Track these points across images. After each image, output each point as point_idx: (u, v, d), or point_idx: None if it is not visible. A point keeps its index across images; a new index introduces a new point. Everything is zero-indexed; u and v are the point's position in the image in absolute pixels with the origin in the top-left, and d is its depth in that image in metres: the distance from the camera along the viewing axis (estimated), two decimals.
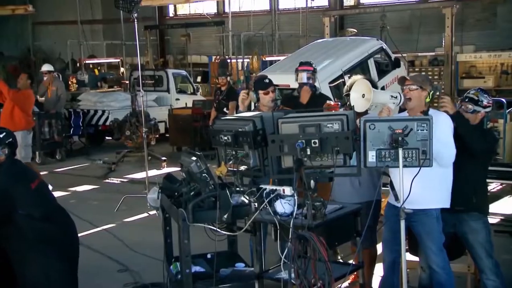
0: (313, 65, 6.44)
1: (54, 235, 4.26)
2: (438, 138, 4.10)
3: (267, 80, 5.46)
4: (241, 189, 4.20)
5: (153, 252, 6.29)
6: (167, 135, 14.47)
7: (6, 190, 4.13)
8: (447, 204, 4.44)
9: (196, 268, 4.64)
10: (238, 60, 19.58)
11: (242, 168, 4.19)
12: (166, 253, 4.99)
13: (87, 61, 22.68)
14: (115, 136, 13.12)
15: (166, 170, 10.95)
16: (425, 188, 4.09)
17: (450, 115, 4.43)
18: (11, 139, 4.35)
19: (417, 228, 4.41)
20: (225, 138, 4.17)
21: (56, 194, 9.66)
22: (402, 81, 4.54)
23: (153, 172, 10.51)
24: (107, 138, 15.16)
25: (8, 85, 9.62)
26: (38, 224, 4.18)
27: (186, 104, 15.13)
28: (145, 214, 8.33)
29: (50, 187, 5.02)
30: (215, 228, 4.22)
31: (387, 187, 4.55)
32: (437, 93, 4.55)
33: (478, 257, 4.67)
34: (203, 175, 4.30)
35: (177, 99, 16.10)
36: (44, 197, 4.37)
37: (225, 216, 4.09)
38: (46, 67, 12.95)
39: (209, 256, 4.91)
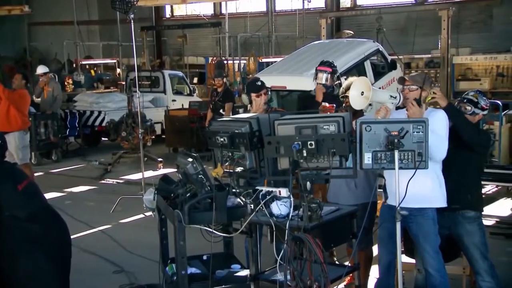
0: (333, 66, 6.38)
1: (41, 236, 4.24)
2: (433, 130, 4.10)
3: (259, 83, 5.47)
4: (237, 190, 4.20)
5: (148, 253, 6.29)
6: (163, 136, 14.45)
7: None
8: (444, 203, 4.45)
9: (192, 270, 4.64)
10: (235, 62, 19.60)
11: (238, 169, 4.19)
12: (162, 255, 4.99)
13: (83, 62, 22.67)
14: (111, 137, 13.12)
15: (162, 171, 10.95)
16: (421, 186, 4.09)
17: (443, 107, 4.45)
18: (0, 142, 4.33)
19: (414, 229, 4.41)
20: (222, 139, 4.18)
21: (52, 195, 9.71)
22: (401, 81, 4.55)
23: (149, 173, 10.50)
24: (103, 139, 15.14)
25: (4, 85, 9.58)
26: (23, 224, 4.16)
27: (182, 105, 15.13)
28: (141, 215, 8.32)
29: None
30: (211, 230, 4.22)
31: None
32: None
33: (473, 259, 4.68)
34: (199, 176, 4.30)
35: (174, 100, 16.10)
36: (32, 198, 4.35)
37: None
38: (41, 69, 12.86)
39: (205, 257, 4.91)
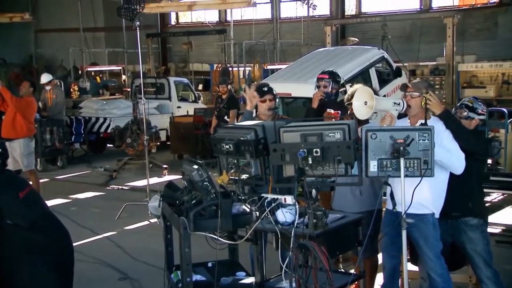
0: (332, 73, 6.39)
1: (43, 244, 4.23)
2: (445, 147, 4.13)
3: (265, 88, 5.45)
4: (243, 197, 4.19)
5: (153, 260, 6.29)
6: (168, 143, 14.47)
7: None
8: (437, 214, 4.45)
9: (196, 277, 4.63)
10: (240, 69, 19.64)
11: (244, 176, 4.19)
12: (167, 262, 4.98)
13: (89, 69, 22.75)
14: (116, 143, 13.13)
15: (167, 178, 10.95)
16: (421, 193, 4.09)
17: (439, 114, 4.45)
18: (0, 150, 4.33)
19: (414, 235, 4.41)
20: (227, 146, 4.18)
21: (57, 201, 9.74)
22: (404, 87, 4.56)
23: (154, 180, 10.51)
24: (108, 145, 15.16)
25: (11, 92, 9.61)
26: (25, 233, 4.16)
27: (187, 112, 15.16)
28: (146, 222, 8.32)
29: None
30: (216, 237, 4.21)
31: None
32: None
33: (476, 267, 4.67)
34: (205, 183, 4.30)
35: (179, 107, 16.13)
36: (33, 205, 4.35)
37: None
38: (45, 78, 12.84)
39: (210, 264, 4.90)
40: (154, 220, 7.40)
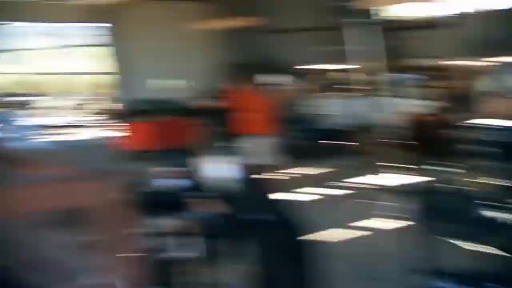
0: None
1: (283, 241, 4.44)
2: None
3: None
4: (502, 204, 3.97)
5: (401, 262, 6.18)
6: (407, 142, 14.12)
7: None
8: None
9: (444, 284, 4.48)
10: (477, 63, 18.69)
11: (499, 182, 4.00)
12: (417, 266, 4.89)
13: (314, 67, 23.30)
14: (351, 141, 13.29)
15: (412, 178, 10.58)
16: None
17: None
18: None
19: None
20: (477, 147, 4.05)
21: (300, 197, 10.07)
22: None
23: (397, 180, 10.37)
24: (343, 143, 15.29)
25: (248, 92, 10.17)
26: (268, 230, 4.38)
27: (422, 109, 14.77)
28: (395, 223, 7.99)
29: None
30: (471, 244, 4.08)
31: None
32: None
33: None
34: (455, 186, 4.22)
35: (414, 105, 15.76)
36: (271, 203, 4.60)
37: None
38: (276, 79, 13.45)
39: (464, 273, 4.71)
40: (401, 222, 7.26)
